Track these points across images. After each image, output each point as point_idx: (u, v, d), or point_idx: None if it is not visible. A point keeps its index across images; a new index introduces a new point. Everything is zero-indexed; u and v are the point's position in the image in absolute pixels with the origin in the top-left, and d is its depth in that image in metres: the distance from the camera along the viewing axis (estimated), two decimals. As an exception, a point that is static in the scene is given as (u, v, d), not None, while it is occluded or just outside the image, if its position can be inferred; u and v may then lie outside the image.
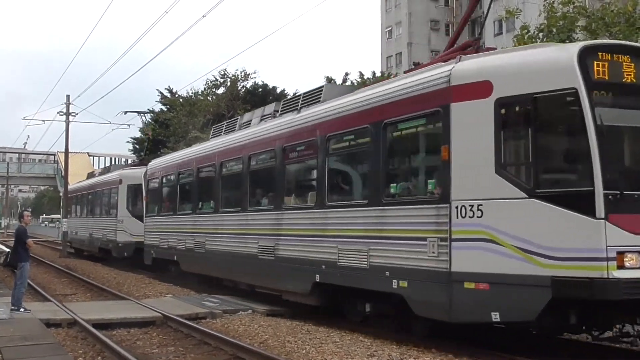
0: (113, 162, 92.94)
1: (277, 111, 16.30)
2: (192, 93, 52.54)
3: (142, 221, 25.59)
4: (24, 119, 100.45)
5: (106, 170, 36.38)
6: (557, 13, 23.17)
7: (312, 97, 14.50)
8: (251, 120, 17.77)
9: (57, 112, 40.45)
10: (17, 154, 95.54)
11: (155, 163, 24.90)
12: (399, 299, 10.86)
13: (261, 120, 17.06)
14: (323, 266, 12.82)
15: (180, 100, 52.78)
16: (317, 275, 13.04)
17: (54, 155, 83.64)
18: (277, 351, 10.63)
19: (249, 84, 51.00)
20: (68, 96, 40.06)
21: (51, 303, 16.06)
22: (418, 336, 11.35)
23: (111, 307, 15.63)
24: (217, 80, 50.51)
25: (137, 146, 61.10)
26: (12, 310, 13.91)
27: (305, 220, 13.73)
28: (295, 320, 13.63)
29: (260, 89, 51.56)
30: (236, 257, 16.67)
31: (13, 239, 15.51)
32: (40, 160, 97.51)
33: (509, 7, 28.43)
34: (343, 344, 10.88)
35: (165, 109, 55.27)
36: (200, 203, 19.72)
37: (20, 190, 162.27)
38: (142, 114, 35.93)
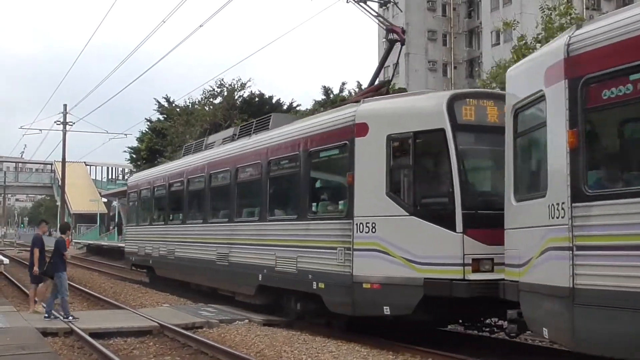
0: (111, 172, 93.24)
1: None
2: (189, 103, 52.69)
3: (446, 226, 10.82)
4: (21, 127, 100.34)
5: (262, 125, 17.00)
6: (555, 24, 23.35)
7: None
8: None
9: (54, 122, 40.55)
10: (14, 163, 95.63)
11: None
12: None
13: None
14: None
15: (177, 110, 52.92)
16: None
17: (51, 164, 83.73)
18: (273, 361, 10.64)
19: (245, 93, 51.20)
20: (65, 105, 40.18)
21: (48, 312, 16.01)
22: None
23: (108, 316, 15.61)
24: (214, 90, 50.71)
25: (134, 155, 61.14)
26: (63, 319, 14.21)
27: None
28: (292, 330, 13.62)
29: (256, 99, 51.74)
30: None
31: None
32: (37, 170, 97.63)
33: (506, 19, 28.65)
34: (339, 354, 10.88)
35: (163, 118, 55.42)
36: None
37: (17, 200, 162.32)
38: None
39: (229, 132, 19.92)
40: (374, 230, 11.61)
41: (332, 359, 10.56)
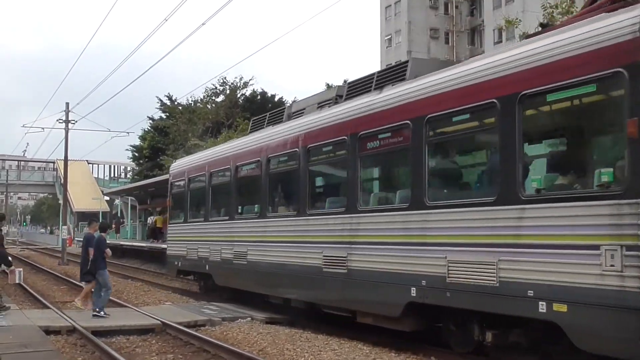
0: (113, 170, 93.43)
1: None
2: (191, 101, 52.81)
3: None
4: (23, 126, 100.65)
5: (392, 75, 11.99)
6: (557, 22, 23.31)
7: None
8: None
9: (57, 120, 40.53)
10: (17, 162, 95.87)
11: None
12: None
13: None
14: None
15: (180, 108, 53.02)
16: None
17: (53, 163, 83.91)
18: (275, 359, 10.64)
19: (247, 91, 51.34)
20: (67, 104, 40.12)
21: (50, 310, 16.04)
22: None
23: (110, 314, 15.62)
24: (216, 88, 50.84)
25: (137, 154, 61.23)
26: (94, 315, 14.68)
27: None
28: (294, 328, 13.63)
29: (259, 97, 51.86)
30: None
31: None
32: (39, 168, 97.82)
33: (508, 17, 28.66)
34: (342, 352, 10.88)
35: (165, 117, 55.52)
36: None
37: (19, 198, 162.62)
38: None
39: (328, 93, 14.70)
40: None
41: (335, 357, 10.56)
